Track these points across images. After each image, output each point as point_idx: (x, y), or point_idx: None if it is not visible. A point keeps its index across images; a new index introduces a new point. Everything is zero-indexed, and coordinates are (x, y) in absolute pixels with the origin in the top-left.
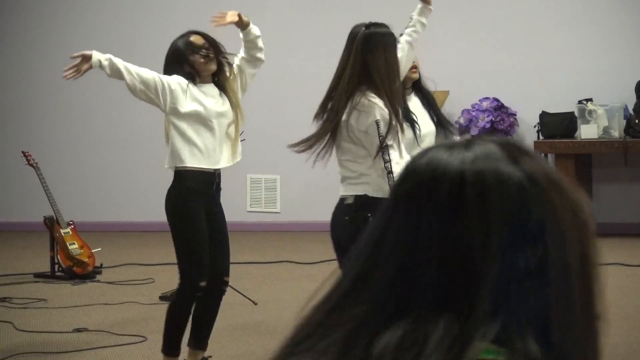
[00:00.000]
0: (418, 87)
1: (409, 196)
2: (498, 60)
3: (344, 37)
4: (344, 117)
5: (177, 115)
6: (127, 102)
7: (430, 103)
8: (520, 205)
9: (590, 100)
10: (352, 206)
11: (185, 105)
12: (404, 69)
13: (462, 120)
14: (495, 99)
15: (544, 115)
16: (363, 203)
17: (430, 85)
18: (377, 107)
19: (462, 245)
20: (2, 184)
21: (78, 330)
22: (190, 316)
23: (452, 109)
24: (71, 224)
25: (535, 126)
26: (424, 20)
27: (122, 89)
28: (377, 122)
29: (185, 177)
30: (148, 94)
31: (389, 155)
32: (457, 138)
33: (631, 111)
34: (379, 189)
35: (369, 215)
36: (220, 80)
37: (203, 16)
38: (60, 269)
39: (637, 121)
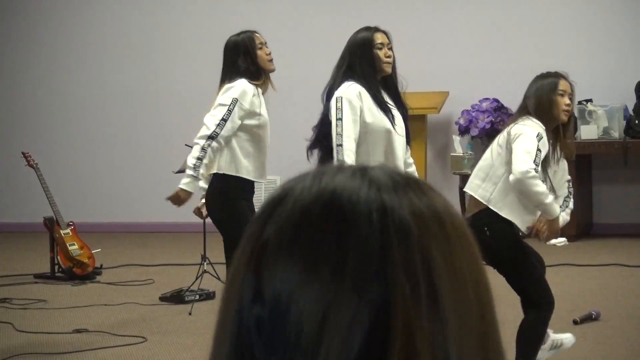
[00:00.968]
0: (386, 84)
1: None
2: (498, 61)
3: (343, 40)
4: None
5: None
6: (128, 103)
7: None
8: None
9: (590, 100)
10: None
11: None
12: None
13: (462, 121)
14: (495, 100)
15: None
16: None
17: (403, 84)
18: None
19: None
20: (2, 185)
21: (78, 331)
22: None
23: (452, 110)
24: (71, 225)
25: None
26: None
27: (122, 89)
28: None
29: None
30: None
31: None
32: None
33: (631, 112)
34: None
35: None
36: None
37: (204, 16)
38: (60, 269)
39: (637, 122)
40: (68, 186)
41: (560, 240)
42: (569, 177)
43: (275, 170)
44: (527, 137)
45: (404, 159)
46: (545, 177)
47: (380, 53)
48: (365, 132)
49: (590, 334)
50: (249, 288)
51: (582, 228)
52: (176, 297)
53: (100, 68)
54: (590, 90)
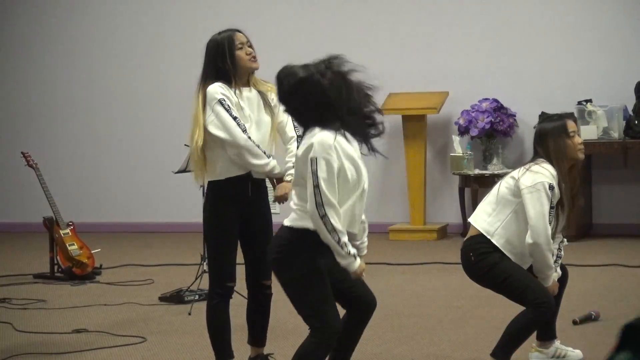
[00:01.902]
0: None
1: None
2: (497, 61)
3: (343, 40)
4: None
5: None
6: (128, 103)
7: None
8: None
9: (589, 101)
10: None
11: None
12: None
13: (461, 121)
14: (495, 100)
15: (543, 116)
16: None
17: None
18: None
19: None
20: (2, 185)
21: (77, 331)
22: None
23: (452, 110)
24: (70, 225)
25: (534, 127)
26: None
27: (122, 90)
28: None
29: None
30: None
31: None
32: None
33: (631, 112)
34: None
35: None
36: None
37: (204, 16)
38: (60, 269)
39: (636, 122)
40: (68, 186)
41: None
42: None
43: None
44: (541, 195)
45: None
46: (554, 222)
47: None
48: None
49: (589, 334)
50: None
51: (581, 228)
52: (176, 297)
53: (100, 68)
54: (590, 91)
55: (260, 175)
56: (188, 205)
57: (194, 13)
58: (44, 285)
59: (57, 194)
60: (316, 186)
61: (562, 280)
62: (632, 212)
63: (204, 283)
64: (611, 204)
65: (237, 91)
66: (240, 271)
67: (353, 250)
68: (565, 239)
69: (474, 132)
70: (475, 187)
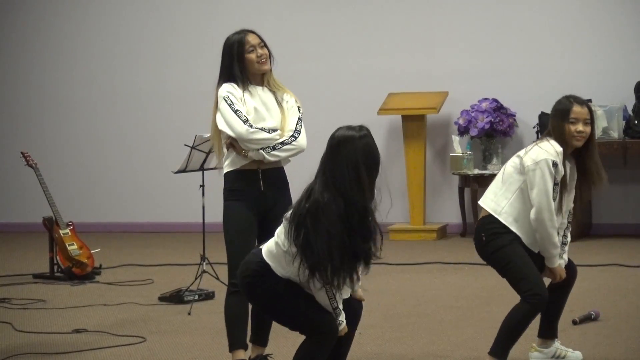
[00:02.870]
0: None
1: None
2: (497, 61)
3: (343, 40)
4: None
5: None
6: (128, 103)
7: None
8: None
9: (589, 101)
10: None
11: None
12: None
13: (461, 121)
14: (495, 100)
15: (543, 116)
16: None
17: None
18: None
19: None
20: (1, 185)
21: (77, 331)
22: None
23: (451, 110)
24: (70, 225)
25: (534, 127)
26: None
27: (122, 89)
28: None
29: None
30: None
31: None
32: None
33: (630, 112)
34: None
35: None
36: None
37: (203, 16)
38: (60, 269)
39: (636, 122)
40: (67, 186)
41: None
42: (572, 205)
43: None
44: (544, 171)
45: None
46: (558, 199)
47: None
48: None
49: (589, 334)
50: None
51: (581, 228)
52: (175, 297)
53: (100, 68)
54: (590, 91)
55: (276, 157)
56: (188, 205)
57: (196, 13)
58: (44, 285)
59: (56, 194)
60: None
61: (569, 279)
62: (632, 212)
63: (204, 283)
64: (611, 204)
65: (247, 90)
66: None
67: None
68: (571, 219)
69: (473, 132)
70: (475, 187)
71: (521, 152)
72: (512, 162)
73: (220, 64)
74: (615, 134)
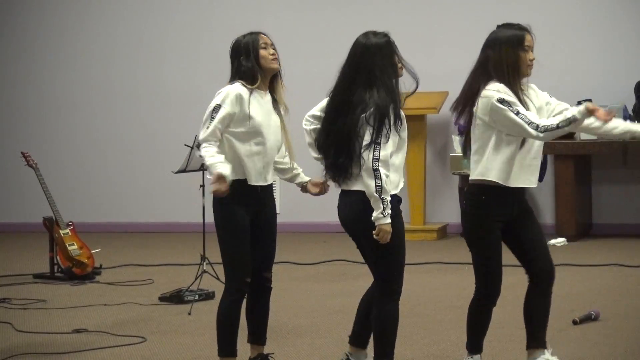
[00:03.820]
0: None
1: None
2: None
3: (343, 39)
4: None
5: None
6: (128, 103)
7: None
8: None
9: (589, 100)
10: None
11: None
12: None
13: (461, 121)
14: None
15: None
16: None
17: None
18: None
19: None
20: (2, 185)
21: (77, 331)
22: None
23: None
24: (70, 225)
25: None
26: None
27: (122, 89)
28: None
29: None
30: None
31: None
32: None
33: (630, 112)
34: None
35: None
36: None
37: (202, 17)
38: (60, 269)
39: (636, 122)
40: (67, 186)
41: (560, 241)
42: (559, 103)
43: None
44: (498, 111)
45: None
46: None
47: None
48: None
49: (590, 334)
50: None
51: (581, 228)
52: (175, 297)
53: (99, 69)
54: (590, 91)
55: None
56: (188, 205)
57: (196, 13)
58: (44, 285)
59: (57, 194)
60: None
61: (545, 281)
62: (632, 212)
63: (204, 283)
64: (611, 204)
65: (256, 92)
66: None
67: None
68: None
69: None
70: None
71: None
72: (473, 127)
73: (231, 65)
74: None
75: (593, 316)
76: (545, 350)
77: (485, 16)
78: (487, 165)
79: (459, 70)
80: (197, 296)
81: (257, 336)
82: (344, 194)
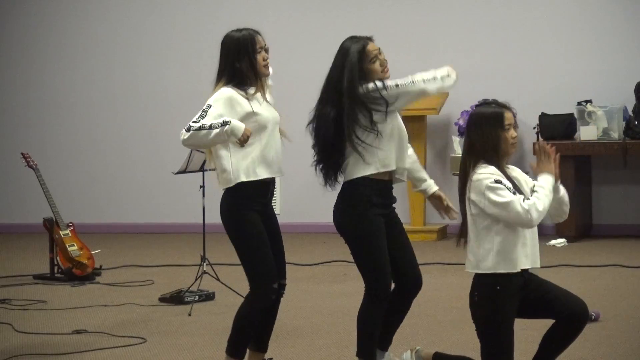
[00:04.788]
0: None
1: None
2: (497, 62)
3: (341, 39)
4: None
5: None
6: (128, 104)
7: None
8: None
9: (589, 101)
10: None
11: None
12: None
13: (461, 122)
14: (495, 100)
15: (543, 117)
16: None
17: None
18: None
19: None
20: (2, 186)
21: (77, 331)
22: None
23: (451, 111)
24: (70, 226)
25: (534, 127)
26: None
27: (122, 89)
28: None
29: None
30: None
31: None
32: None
33: (630, 113)
34: None
35: None
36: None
37: (201, 17)
38: (60, 270)
39: (636, 123)
40: (68, 187)
41: (560, 241)
42: (532, 183)
43: None
44: (491, 194)
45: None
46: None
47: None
48: None
49: (590, 334)
50: None
51: (581, 229)
52: (176, 298)
53: (99, 69)
54: (590, 91)
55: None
56: (188, 206)
57: (196, 13)
58: (44, 286)
59: (57, 195)
60: None
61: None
62: (632, 213)
63: (204, 284)
64: (611, 205)
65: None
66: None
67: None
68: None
69: None
70: None
71: (466, 202)
72: (469, 214)
73: (219, 60)
74: (616, 134)
75: (593, 317)
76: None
77: (485, 17)
78: None
79: (459, 71)
80: (197, 297)
81: (262, 344)
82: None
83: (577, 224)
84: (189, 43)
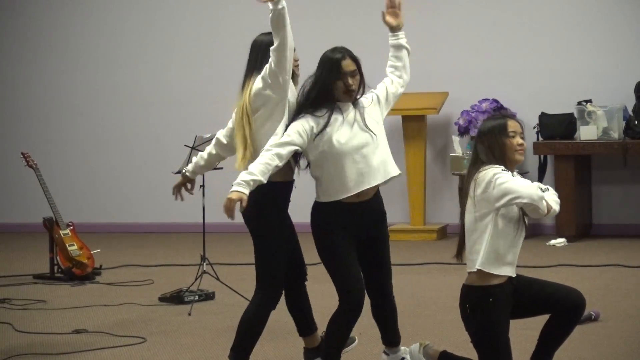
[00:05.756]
0: None
1: None
2: (497, 62)
3: (343, 41)
4: None
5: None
6: (128, 104)
7: None
8: None
9: (589, 101)
10: None
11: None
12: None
13: (461, 122)
14: (495, 100)
15: (543, 117)
16: None
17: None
18: None
19: None
20: (2, 185)
21: (77, 331)
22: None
23: (452, 110)
24: (70, 225)
25: (534, 127)
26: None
27: (122, 90)
28: None
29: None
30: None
31: None
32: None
33: (630, 112)
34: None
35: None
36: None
37: (201, 17)
38: (60, 270)
39: (636, 122)
40: (67, 186)
41: (560, 241)
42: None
43: None
44: (498, 181)
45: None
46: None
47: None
48: None
49: (590, 334)
50: None
51: (581, 228)
52: (175, 298)
53: (99, 69)
54: (590, 91)
55: None
56: (188, 206)
57: (199, 13)
58: (44, 286)
59: (57, 194)
60: None
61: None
62: (632, 212)
63: (204, 283)
64: (611, 204)
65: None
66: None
67: None
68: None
69: (473, 132)
70: None
71: (469, 200)
72: (467, 211)
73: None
74: (616, 134)
75: (593, 316)
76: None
77: (486, 17)
78: None
79: (459, 71)
80: (197, 297)
81: (308, 325)
82: None
83: (577, 224)
84: (192, 43)
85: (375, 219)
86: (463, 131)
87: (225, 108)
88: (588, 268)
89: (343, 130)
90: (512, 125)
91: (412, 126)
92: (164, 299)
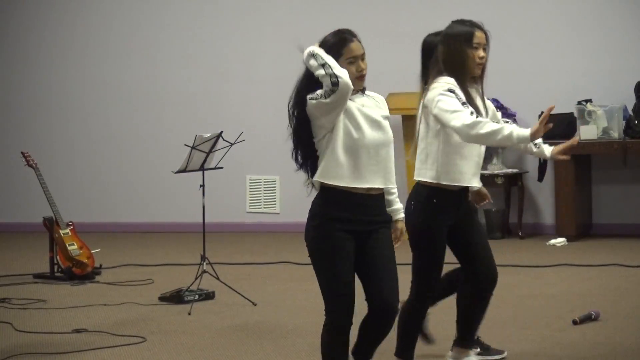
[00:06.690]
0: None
1: None
2: (497, 61)
3: None
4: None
5: None
6: (128, 103)
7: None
8: None
9: (589, 101)
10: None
11: None
12: None
13: None
14: (495, 100)
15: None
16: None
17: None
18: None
19: None
20: (2, 185)
21: (77, 330)
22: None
23: None
24: (70, 225)
25: None
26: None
27: (122, 90)
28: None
29: None
30: None
31: None
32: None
33: (630, 112)
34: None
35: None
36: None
37: (202, 18)
38: (60, 269)
39: (636, 122)
40: (67, 186)
41: (560, 241)
42: (499, 117)
43: (274, 171)
44: (441, 97)
45: None
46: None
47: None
48: None
49: (590, 334)
50: None
51: (581, 228)
52: (175, 297)
53: (99, 68)
54: (590, 91)
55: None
56: (188, 205)
57: (192, 13)
58: (44, 285)
59: (57, 194)
60: None
61: (485, 287)
62: (632, 212)
63: (204, 283)
64: (611, 204)
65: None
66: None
67: None
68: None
69: None
70: None
71: (419, 109)
72: (421, 116)
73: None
74: (616, 134)
75: (593, 316)
76: (470, 352)
77: (485, 16)
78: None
79: None
80: (197, 296)
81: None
82: None
83: (577, 224)
84: (187, 42)
85: None
86: None
87: (225, 108)
88: (588, 268)
89: None
90: (478, 35)
91: (412, 126)
92: (163, 299)
